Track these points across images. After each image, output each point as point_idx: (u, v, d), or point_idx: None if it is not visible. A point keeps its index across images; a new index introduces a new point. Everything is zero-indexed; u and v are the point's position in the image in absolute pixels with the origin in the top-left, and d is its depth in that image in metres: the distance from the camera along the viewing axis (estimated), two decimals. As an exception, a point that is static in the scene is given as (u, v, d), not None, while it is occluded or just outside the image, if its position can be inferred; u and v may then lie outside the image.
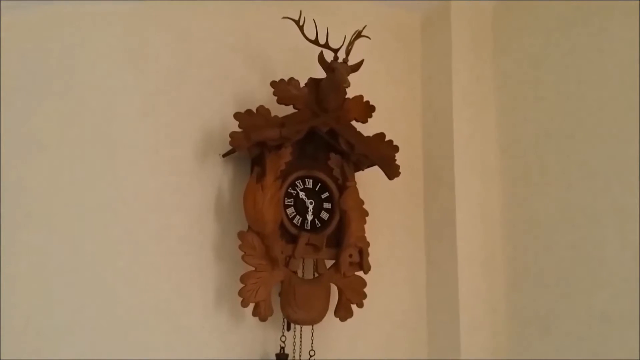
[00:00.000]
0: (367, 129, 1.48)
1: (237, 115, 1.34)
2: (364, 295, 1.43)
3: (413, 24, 1.84)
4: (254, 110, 1.36)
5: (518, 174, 1.63)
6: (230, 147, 1.36)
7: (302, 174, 1.42)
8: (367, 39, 1.45)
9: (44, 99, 1.34)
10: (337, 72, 1.35)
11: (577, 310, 1.42)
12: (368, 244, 1.44)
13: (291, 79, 1.40)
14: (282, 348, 1.38)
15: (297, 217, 1.40)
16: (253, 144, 1.34)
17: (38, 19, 1.34)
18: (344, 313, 1.41)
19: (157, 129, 1.43)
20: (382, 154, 1.47)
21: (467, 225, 1.61)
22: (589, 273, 1.40)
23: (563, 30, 1.55)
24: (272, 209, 1.34)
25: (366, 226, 1.49)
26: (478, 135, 1.69)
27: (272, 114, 1.38)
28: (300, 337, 1.41)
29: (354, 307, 1.44)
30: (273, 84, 1.38)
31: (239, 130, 1.33)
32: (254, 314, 1.32)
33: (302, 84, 1.42)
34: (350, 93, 1.46)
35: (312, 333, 1.42)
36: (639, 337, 1.26)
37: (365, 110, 1.48)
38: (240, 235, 1.33)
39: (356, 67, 1.40)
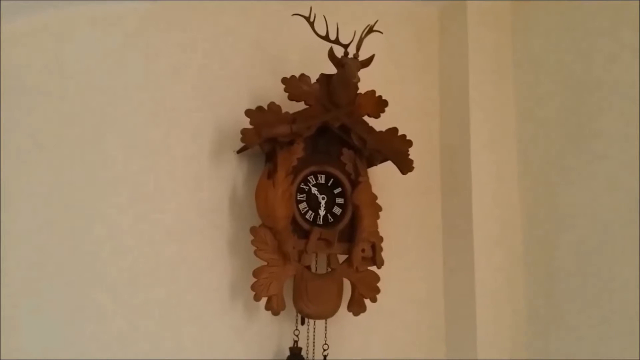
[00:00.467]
0: (383, 124, 1.48)
1: (248, 112, 1.35)
2: (377, 290, 1.43)
3: (430, 17, 1.82)
4: (266, 107, 1.37)
5: (537, 171, 1.59)
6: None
7: (315, 170, 1.43)
8: (380, 33, 1.45)
9: (55, 100, 1.38)
10: (347, 67, 1.35)
11: (599, 309, 1.38)
12: (381, 239, 1.44)
13: (302, 75, 1.41)
14: (296, 342, 1.39)
15: (310, 212, 1.41)
16: (264, 140, 1.35)
17: (43, 23, 1.37)
18: (357, 308, 1.42)
19: (172, 126, 1.46)
20: (395, 148, 1.46)
21: (484, 222, 1.58)
22: (611, 270, 1.36)
23: (586, 22, 1.51)
24: (284, 204, 1.35)
25: (382, 221, 1.49)
26: (496, 131, 1.66)
27: (286, 111, 1.39)
28: (314, 332, 1.42)
29: (368, 302, 1.44)
30: (284, 80, 1.39)
31: (250, 127, 1.35)
32: (267, 308, 1.34)
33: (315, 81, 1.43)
34: (367, 88, 1.47)
35: (326, 327, 1.42)
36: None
37: (378, 105, 1.48)
38: (253, 230, 1.34)
39: (367, 62, 1.40)
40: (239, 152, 1.47)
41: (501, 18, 1.73)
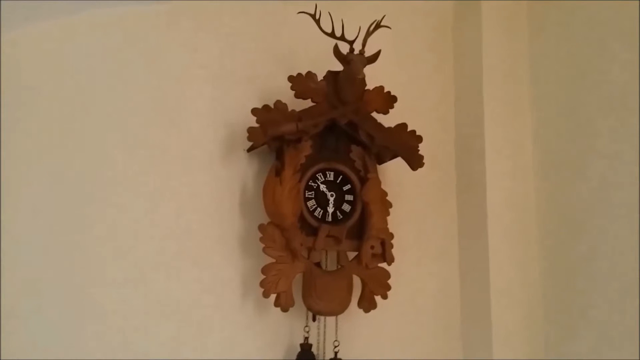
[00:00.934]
0: (397, 120, 1.47)
1: (254, 111, 1.37)
2: (388, 287, 1.43)
3: (445, 14, 1.80)
4: (272, 106, 1.38)
5: (552, 167, 1.56)
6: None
7: (323, 167, 1.43)
8: (388, 28, 1.44)
9: (60, 101, 1.41)
10: (353, 63, 1.35)
11: (619, 305, 1.34)
12: (391, 236, 1.43)
13: (309, 72, 1.41)
14: (306, 338, 1.40)
15: (318, 209, 1.41)
16: (271, 138, 1.36)
17: (45, 27, 1.41)
18: (367, 304, 1.41)
19: (182, 126, 1.48)
20: (404, 144, 1.45)
21: (499, 218, 1.55)
22: (633, 266, 1.32)
23: (602, 19, 1.46)
24: (291, 202, 1.36)
25: (396, 217, 1.49)
26: (511, 127, 1.62)
27: (292, 109, 1.39)
28: (324, 328, 1.42)
29: (380, 299, 1.43)
30: (290, 78, 1.40)
31: (256, 125, 1.36)
32: (276, 304, 1.35)
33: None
34: (379, 83, 1.47)
35: (337, 324, 1.42)
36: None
37: (386, 101, 1.47)
38: (261, 228, 1.36)
39: (373, 58, 1.39)
40: (249, 150, 1.48)
41: (516, 15, 1.69)
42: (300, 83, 1.40)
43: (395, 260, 1.45)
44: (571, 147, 1.51)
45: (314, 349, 1.41)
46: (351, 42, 1.38)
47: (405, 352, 1.53)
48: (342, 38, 1.38)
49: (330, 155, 1.45)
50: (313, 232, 1.39)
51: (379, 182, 1.45)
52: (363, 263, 1.40)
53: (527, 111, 1.65)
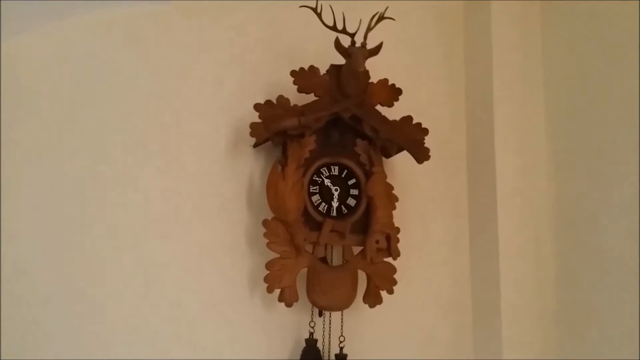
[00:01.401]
0: (407, 113, 1.46)
1: (257, 107, 1.37)
2: (394, 282, 1.41)
3: (456, 6, 1.77)
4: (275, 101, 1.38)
5: (565, 163, 1.52)
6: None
7: (327, 161, 1.43)
8: (392, 20, 1.42)
9: (64, 100, 1.43)
10: (353, 56, 1.34)
11: (630, 305, 1.30)
12: (397, 230, 1.42)
13: (311, 67, 1.41)
14: (312, 333, 1.40)
15: (323, 204, 1.41)
16: (273, 133, 1.36)
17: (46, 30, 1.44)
18: (372, 299, 1.41)
19: (189, 122, 1.49)
20: (410, 137, 1.44)
21: (510, 215, 1.52)
22: None
23: (618, 10, 1.42)
24: (294, 196, 1.36)
25: (404, 212, 1.49)
26: (523, 122, 1.58)
27: (294, 103, 1.39)
28: (330, 323, 1.42)
29: (387, 294, 1.42)
30: (293, 72, 1.40)
31: (259, 121, 1.36)
32: (280, 299, 1.35)
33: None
34: (391, 78, 1.47)
35: (342, 319, 1.42)
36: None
37: (391, 93, 1.45)
38: (265, 223, 1.36)
39: (375, 50, 1.37)
40: (255, 146, 1.49)
41: (529, 10, 1.66)
42: (303, 77, 1.40)
43: (404, 254, 1.45)
44: (584, 142, 1.47)
45: (319, 344, 1.40)
46: (352, 35, 1.37)
47: (412, 348, 1.51)
48: (344, 31, 1.37)
49: (335, 149, 1.44)
50: (317, 227, 1.38)
51: (384, 176, 1.44)
52: (368, 258, 1.39)
53: (539, 106, 1.61)
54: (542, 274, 1.51)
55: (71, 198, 1.40)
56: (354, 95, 1.39)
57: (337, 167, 1.43)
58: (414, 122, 1.45)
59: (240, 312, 1.44)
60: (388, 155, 1.49)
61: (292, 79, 1.40)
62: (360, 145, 1.44)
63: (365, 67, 1.34)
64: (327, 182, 1.42)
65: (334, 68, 1.41)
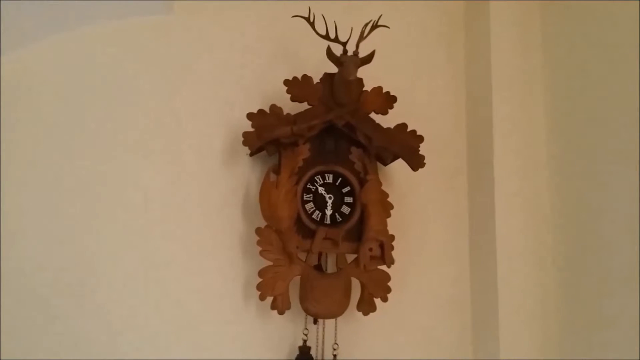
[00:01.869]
0: (408, 120, 1.46)
1: (249, 116, 1.38)
2: (388, 290, 1.41)
3: (456, 10, 1.76)
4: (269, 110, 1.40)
5: (565, 166, 1.50)
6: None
7: (321, 169, 1.43)
8: (387, 28, 1.42)
9: (65, 102, 1.47)
10: (345, 65, 1.34)
11: (631, 307, 1.27)
12: (391, 238, 1.42)
13: (304, 75, 1.42)
14: (305, 341, 1.40)
15: (317, 212, 1.42)
16: (266, 142, 1.37)
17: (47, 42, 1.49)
18: (366, 307, 1.40)
19: (186, 129, 1.51)
20: (404, 144, 1.43)
21: (509, 219, 1.51)
22: None
23: (618, 8, 1.39)
24: (287, 205, 1.37)
25: (402, 219, 1.50)
26: (523, 122, 1.57)
27: (287, 112, 1.40)
28: (323, 331, 1.42)
29: (386, 301, 1.42)
30: (286, 82, 1.41)
31: (251, 130, 1.38)
32: (272, 307, 1.36)
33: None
34: (391, 82, 1.47)
35: (336, 327, 1.42)
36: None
37: (385, 101, 1.45)
38: (258, 231, 1.37)
39: (367, 59, 1.37)
40: (251, 154, 1.50)
41: (528, 13, 1.64)
42: (296, 86, 1.41)
43: (402, 260, 1.46)
44: (583, 142, 1.45)
45: (312, 352, 1.40)
46: (344, 44, 1.37)
47: (407, 356, 1.50)
48: (336, 40, 1.38)
49: (330, 157, 1.44)
50: (311, 234, 1.39)
51: (379, 184, 1.43)
52: (361, 265, 1.39)
53: (539, 106, 1.59)
54: (542, 275, 1.50)
55: (71, 198, 1.43)
56: (346, 103, 1.40)
57: (331, 175, 1.44)
58: (410, 127, 1.44)
59: (235, 320, 1.45)
60: (385, 163, 1.49)
61: (293, 84, 1.42)
62: (355, 153, 1.44)
63: (356, 76, 1.34)
64: (321, 190, 1.42)
65: (328, 76, 1.42)
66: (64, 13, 1.49)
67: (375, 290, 1.41)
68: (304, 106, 1.43)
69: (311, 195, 1.42)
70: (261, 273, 1.36)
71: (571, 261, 1.46)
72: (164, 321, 1.42)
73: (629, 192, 1.30)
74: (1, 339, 1.33)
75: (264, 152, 1.47)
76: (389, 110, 1.44)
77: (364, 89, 1.45)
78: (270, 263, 1.37)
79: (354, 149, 1.45)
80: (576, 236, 1.45)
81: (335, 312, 1.38)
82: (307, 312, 1.38)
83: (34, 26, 1.48)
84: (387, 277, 1.41)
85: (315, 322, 1.43)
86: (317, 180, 1.43)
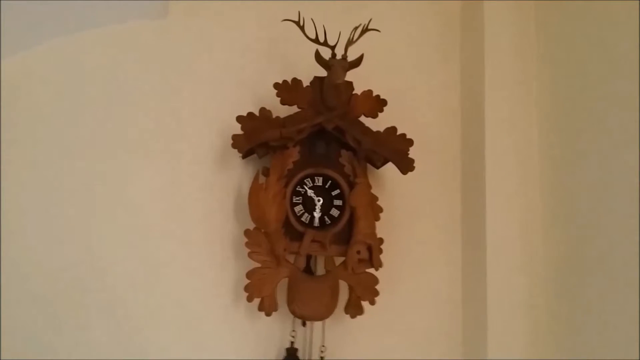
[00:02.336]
0: (403, 123, 1.47)
1: (239, 119, 1.40)
2: (376, 293, 1.41)
3: (453, 11, 1.76)
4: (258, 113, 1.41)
5: (558, 170, 1.49)
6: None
7: (311, 172, 1.43)
8: (378, 32, 1.43)
9: (59, 107, 1.50)
10: (333, 69, 1.35)
11: (623, 305, 1.26)
12: (380, 241, 1.42)
13: (294, 79, 1.43)
14: (292, 343, 1.41)
15: (306, 214, 1.42)
16: (255, 145, 1.39)
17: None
18: (353, 310, 1.41)
19: (179, 131, 1.54)
20: (393, 148, 1.43)
21: (501, 224, 1.50)
22: (635, 264, 1.23)
23: (612, 7, 1.38)
24: (275, 207, 1.38)
25: (394, 222, 1.53)
26: (516, 122, 1.56)
27: (277, 115, 1.42)
28: (311, 333, 1.43)
29: (378, 305, 1.42)
30: (276, 85, 1.42)
31: (241, 133, 1.39)
32: (260, 308, 1.37)
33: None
34: (389, 84, 1.50)
35: (324, 329, 1.43)
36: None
37: (375, 104, 1.46)
38: (247, 233, 1.38)
39: (356, 62, 1.38)
40: (244, 157, 1.51)
41: (523, 13, 1.64)
42: (285, 90, 1.42)
43: (393, 264, 1.47)
44: (577, 142, 1.43)
45: (300, 354, 1.41)
46: (332, 47, 1.38)
47: (394, 358, 1.50)
48: (325, 43, 1.39)
49: (320, 160, 1.45)
50: (299, 237, 1.40)
51: (368, 187, 1.44)
52: (349, 268, 1.39)
53: (533, 106, 1.58)
54: (533, 278, 1.49)
55: (70, 198, 1.46)
56: (335, 106, 1.40)
57: (321, 178, 1.44)
58: (405, 128, 1.44)
59: (225, 321, 1.47)
60: (376, 166, 1.50)
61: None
62: (345, 156, 1.45)
63: (344, 79, 1.34)
64: (310, 192, 1.43)
65: (318, 80, 1.43)
66: (64, 16, 1.53)
67: (363, 294, 1.41)
68: (297, 109, 1.44)
69: (300, 197, 1.43)
70: (249, 274, 1.37)
71: (562, 264, 1.44)
72: (152, 322, 1.44)
73: (623, 192, 1.28)
74: (1, 339, 1.36)
75: (255, 156, 1.48)
76: (383, 111, 1.45)
77: (353, 92, 1.45)
78: (259, 265, 1.38)
79: (343, 152, 1.45)
80: (568, 240, 1.44)
81: (323, 315, 1.39)
82: (294, 314, 1.39)
83: (34, 30, 1.51)
84: (375, 281, 1.42)
85: (303, 324, 1.44)
86: (307, 182, 1.44)
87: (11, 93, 1.47)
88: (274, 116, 1.41)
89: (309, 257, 1.44)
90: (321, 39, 1.39)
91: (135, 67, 1.56)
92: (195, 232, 1.50)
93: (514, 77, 1.59)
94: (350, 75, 1.41)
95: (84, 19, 1.55)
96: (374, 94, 1.46)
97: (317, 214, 1.42)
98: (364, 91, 1.46)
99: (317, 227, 1.42)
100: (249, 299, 1.36)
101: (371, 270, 1.42)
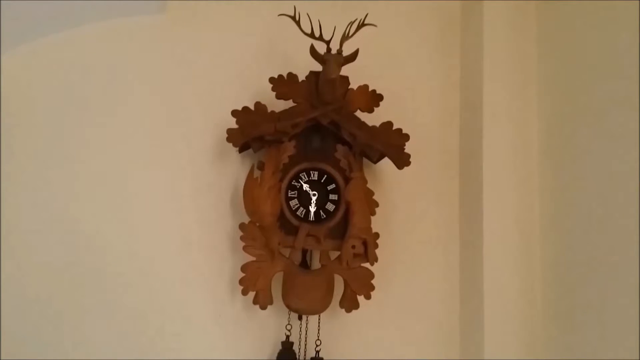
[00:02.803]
0: (403, 119, 1.47)
1: (234, 113, 1.40)
2: (372, 287, 1.41)
3: (453, 10, 1.76)
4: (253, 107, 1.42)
5: (556, 169, 1.48)
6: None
7: (306, 167, 1.44)
8: (374, 26, 1.42)
9: (58, 104, 1.53)
10: (328, 64, 1.35)
11: (623, 302, 1.24)
12: (375, 236, 1.42)
13: (290, 73, 1.43)
14: (288, 336, 1.42)
15: (301, 208, 1.43)
16: (250, 139, 1.39)
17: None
18: (348, 304, 1.41)
19: (176, 126, 1.55)
20: (389, 143, 1.43)
21: (498, 220, 1.49)
22: (633, 264, 1.22)
23: (612, 5, 1.37)
24: (270, 201, 1.39)
25: (392, 217, 1.53)
26: (515, 121, 1.56)
27: (272, 110, 1.42)
28: (307, 327, 1.43)
29: (375, 299, 1.42)
30: (271, 79, 1.42)
31: (236, 127, 1.40)
32: (254, 302, 1.37)
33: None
34: (389, 79, 1.52)
35: (319, 323, 1.43)
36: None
37: (371, 100, 1.45)
38: (242, 226, 1.39)
39: (350, 57, 1.38)
40: (241, 151, 1.52)
41: (524, 13, 1.63)
42: (281, 84, 1.42)
43: (389, 257, 1.48)
44: (575, 141, 1.42)
45: (295, 347, 1.41)
46: (327, 42, 1.38)
47: (389, 352, 1.50)
48: (320, 38, 1.39)
49: (316, 155, 1.45)
50: (294, 231, 1.40)
51: (364, 182, 1.44)
52: (344, 262, 1.39)
53: (532, 105, 1.58)
54: (530, 275, 1.49)
55: (70, 198, 1.48)
56: (330, 101, 1.40)
57: (316, 172, 1.44)
58: (404, 125, 1.44)
59: (222, 314, 1.48)
60: (373, 161, 1.50)
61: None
62: (340, 151, 1.45)
63: (339, 74, 1.34)
64: (305, 187, 1.43)
65: (313, 75, 1.43)
66: (63, 12, 1.54)
67: (358, 288, 1.41)
68: (292, 104, 1.44)
69: (296, 192, 1.43)
70: (244, 268, 1.37)
71: (559, 263, 1.43)
72: (150, 316, 1.46)
73: (622, 192, 1.27)
74: (1, 339, 1.38)
75: (251, 150, 1.49)
76: (383, 108, 1.45)
77: (349, 87, 1.45)
78: (254, 258, 1.38)
79: (339, 146, 1.45)
80: (565, 239, 1.42)
81: (318, 309, 1.39)
82: (289, 307, 1.39)
83: (33, 25, 1.53)
84: (371, 275, 1.41)
85: (299, 317, 1.44)
86: (302, 177, 1.44)
87: (10, 87, 1.49)
88: (269, 110, 1.40)
89: (304, 252, 1.43)
90: (317, 34, 1.39)
91: (132, 62, 1.58)
92: (193, 227, 1.51)
93: (513, 76, 1.58)
94: (350, 76, 1.43)
95: (82, 15, 1.56)
96: (370, 89, 1.46)
97: (312, 208, 1.43)
98: (360, 86, 1.46)
99: (313, 221, 1.42)
100: (244, 292, 1.36)
101: (366, 265, 1.42)
